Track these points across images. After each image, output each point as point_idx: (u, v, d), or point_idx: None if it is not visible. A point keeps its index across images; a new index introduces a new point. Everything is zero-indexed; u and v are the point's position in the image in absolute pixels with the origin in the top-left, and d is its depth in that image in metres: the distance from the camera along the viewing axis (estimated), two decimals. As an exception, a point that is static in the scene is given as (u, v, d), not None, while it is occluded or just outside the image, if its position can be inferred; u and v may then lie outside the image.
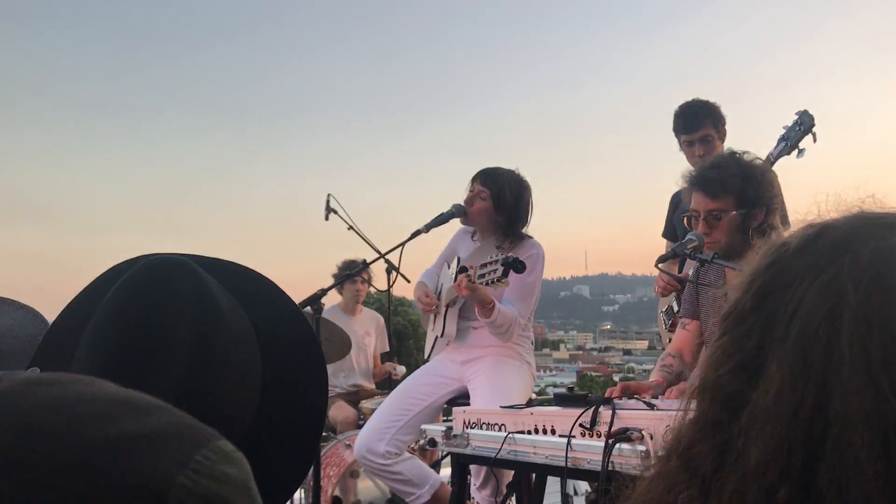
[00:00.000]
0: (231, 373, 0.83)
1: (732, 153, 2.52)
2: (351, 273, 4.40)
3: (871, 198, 0.64)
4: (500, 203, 3.22)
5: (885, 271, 0.56)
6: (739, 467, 0.57)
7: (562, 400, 2.17)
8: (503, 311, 3.03)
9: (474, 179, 3.30)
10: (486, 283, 2.74)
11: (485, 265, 2.76)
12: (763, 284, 0.62)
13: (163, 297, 0.81)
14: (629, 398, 2.09)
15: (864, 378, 0.53)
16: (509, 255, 2.69)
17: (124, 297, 0.82)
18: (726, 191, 2.41)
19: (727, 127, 3.43)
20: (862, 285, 0.56)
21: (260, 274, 0.99)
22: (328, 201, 4.37)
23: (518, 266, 2.65)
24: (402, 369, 5.19)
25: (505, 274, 2.66)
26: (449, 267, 3.45)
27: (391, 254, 3.80)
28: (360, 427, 4.28)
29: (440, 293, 3.44)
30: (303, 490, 4.08)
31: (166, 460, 0.39)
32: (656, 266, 2.70)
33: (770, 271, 0.62)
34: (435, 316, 3.47)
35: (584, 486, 3.74)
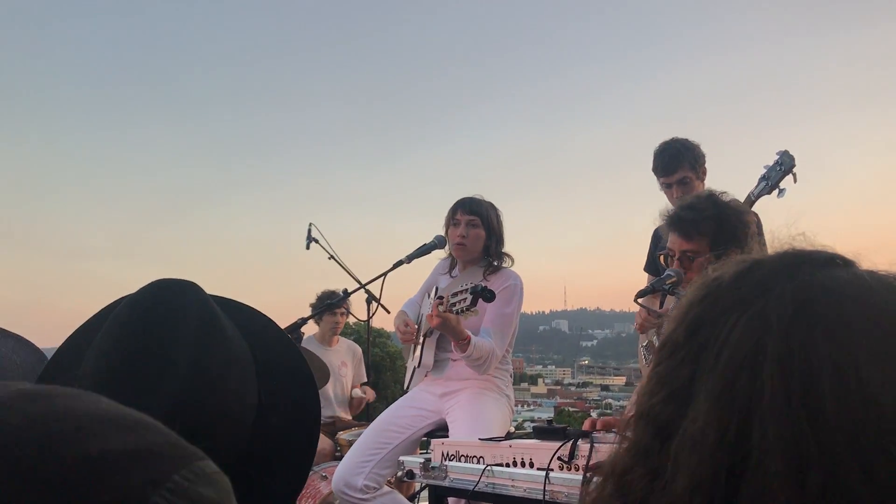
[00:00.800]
0: (227, 393, 0.85)
1: (710, 194, 2.55)
2: (331, 304, 4.38)
3: (801, 235, 0.67)
4: (490, 227, 3.29)
5: (807, 307, 0.58)
6: (667, 494, 0.59)
7: (540, 433, 2.17)
8: (479, 344, 3.02)
9: (457, 211, 3.30)
10: (457, 313, 2.74)
11: (456, 293, 2.77)
12: (695, 316, 0.64)
13: (167, 313, 0.85)
14: (607, 432, 2.09)
15: (783, 407, 0.55)
16: (478, 283, 2.70)
17: (130, 311, 0.85)
18: (700, 233, 2.44)
19: (708, 166, 3.46)
20: (785, 319, 0.58)
21: (257, 310, 1.05)
22: (310, 230, 4.37)
23: (486, 295, 2.66)
24: (358, 392, 5.11)
25: (473, 303, 2.67)
26: (430, 297, 3.44)
27: (372, 284, 3.81)
28: (336, 458, 4.23)
29: (420, 323, 3.44)
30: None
31: (142, 479, 0.39)
32: (636, 301, 2.72)
33: (703, 304, 0.64)
34: (414, 346, 3.46)
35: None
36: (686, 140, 3.46)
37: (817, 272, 0.61)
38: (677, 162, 3.37)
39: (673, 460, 0.59)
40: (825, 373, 0.55)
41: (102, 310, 0.97)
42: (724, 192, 2.55)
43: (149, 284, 0.89)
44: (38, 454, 0.37)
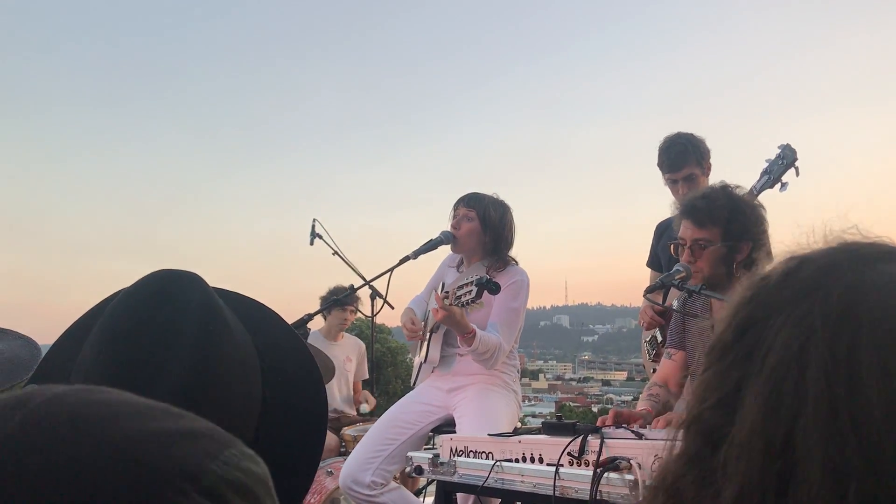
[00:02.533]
0: (230, 389, 0.83)
1: (724, 186, 2.54)
2: (340, 299, 4.38)
3: (854, 228, 0.64)
4: (487, 223, 3.25)
5: (853, 309, 0.56)
6: (716, 502, 0.58)
7: (550, 428, 2.17)
8: (485, 338, 3.02)
9: (458, 204, 3.32)
10: (462, 305, 2.74)
11: (461, 287, 2.77)
12: (744, 318, 0.62)
13: (169, 304, 0.82)
14: (618, 427, 2.09)
15: (827, 417, 0.53)
16: (483, 276, 2.71)
17: (128, 304, 0.83)
18: (713, 222, 2.44)
19: (713, 160, 3.45)
20: (830, 322, 0.56)
21: (263, 304, 1.02)
22: (313, 226, 4.37)
23: (492, 287, 2.67)
24: (365, 407, 5.11)
25: (479, 295, 2.68)
26: (438, 292, 3.44)
27: (377, 280, 3.80)
28: (341, 454, 4.24)
29: (427, 320, 3.44)
30: (283, 518, 4.02)
31: (199, 452, 0.43)
32: (644, 297, 2.72)
33: (751, 305, 0.62)
34: (421, 342, 3.46)
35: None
36: (691, 135, 3.43)
37: (868, 269, 0.59)
38: (683, 159, 3.35)
39: (722, 468, 0.58)
40: (872, 379, 0.53)
41: (99, 303, 0.94)
42: (739, 186, 2.55)
43: (148, 275, 0.86)
44: (102, 428, 0.42)
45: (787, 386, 0.55)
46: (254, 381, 0.88)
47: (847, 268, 0.59)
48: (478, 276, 2.70)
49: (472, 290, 2.69)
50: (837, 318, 0.56)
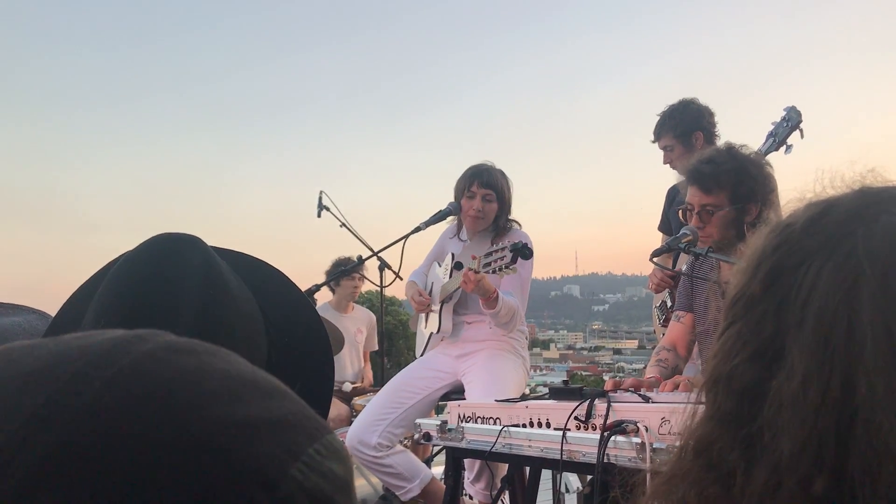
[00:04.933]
0: (235, 345, 0.83)
1: (730, 147, 2.52)
2: (347, 269, 4.38)
3: (871, 172, 0.62)
4: (503, 201, 3.34)
5: None
6: (769, 460, 0.55)
7: (556, 393, 2.17)
8: (506, 302, 3.06)
9: (473, 182, 3.31)
10: (493, 271, 2.76)
11: (490, 254, 2.78)
12: (772, 267, 0.59)
13: (170, 266, 0.82)
14: (625, 391, 2.10)
15: (889, 360, 0.51)
16: (517, 241, 2.73)
17: (130, 268, 0.83)
18: (720, 186, 2.42)
19: (720, 126, 3.45)
20: (879, 262, 0.53)
21: (271, 265, 1.01)
22: (320, 198, 4.36)
23: (526, 252, 2.69)
24: (347, 386, 5.07)
25: (514, 260, 2.70)
26: (440, 265, 3.47)
27: (385, 252, 3.81)
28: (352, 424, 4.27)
29: (431, 291, 3.47)
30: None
31: (283, 450, 0.39)
32: (651, 260, 2.71)
33: (778, 253, 0.59)
34: (428, 314, 3.48)
35: (575, 483, 3.75)
36: (687, 104, 3.46)
37: None
38: (659, 130, 3.45)
39: (769, 424, 0.55)
40: None
41: (102, 268, 0.93)
42: (744, 146, 2.53)
43: (149, 239, 0.86)
44: (189, 412, 0.37)
45: (839, 330, 0.53)
46: (258, 341, 0.88)
47: (879, 209, 0.57)
48: (511, 242, 2.73)
49: (505, 256, 2.71)
50: (886, 258, 0.53)
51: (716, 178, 2.42)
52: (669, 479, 0.64)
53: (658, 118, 3.48)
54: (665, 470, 0.66)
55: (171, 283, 0.81)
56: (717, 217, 2.42)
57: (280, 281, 1.00)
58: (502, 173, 3.39)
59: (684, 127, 3.41)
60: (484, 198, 3.28)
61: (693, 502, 0.60)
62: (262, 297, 0.92)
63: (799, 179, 0.65)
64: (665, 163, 3.45)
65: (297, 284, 1.02)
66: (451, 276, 3.25)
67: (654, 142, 3.51)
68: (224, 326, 0.82)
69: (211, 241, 0.89)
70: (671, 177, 3.47)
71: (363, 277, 5.00)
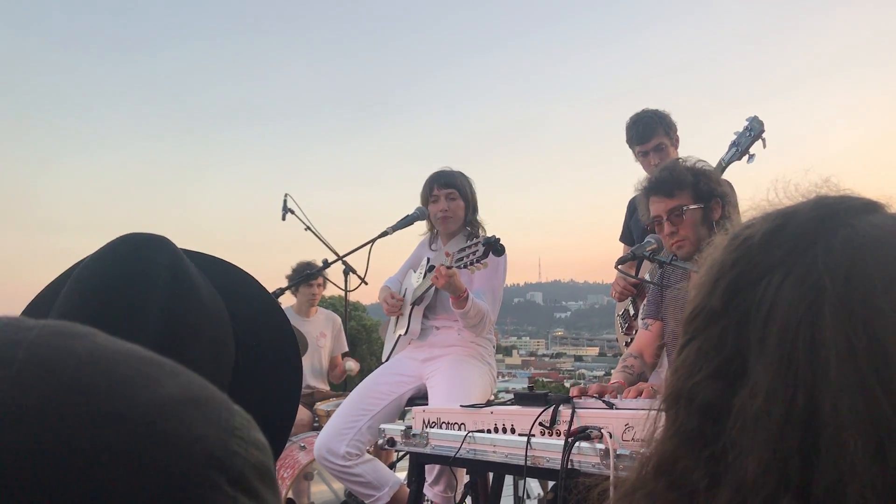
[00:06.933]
0: (201, 346, 0.82)
1: (676, 159, 2.67)
2: (309, 274, 4.35)
3: (826, 182, 0.61)
4: (466, 197, 3.39)
5: (860, 260, 0.54)
6: (733, 480, 0.54)
7: (522, 399, 2.18)
8: (476, 303, 3.07)
9: (433, 186, 3.37)
10: (465, 266, 2.78)
11: (463, 249, 2.81)
12: (732, 281, 0.58)
13: (137, 267, 0.81)
14: (589, 397, 2.11)
15: (853, 377, 0.50)
16: (490, 236, 2.76)
17: (94, 268, 0.82)
18: (681, 187, 2.49)
19: (679, 134, 3.51)
20: (840, 277, 0.53)
21: (239, 267, 1.00)
22: (285, 201, 4.32)
23: (498, 247, 2.71)
24: (352, 365, 5.06)
25: (485, 254, 2.72)
26: (415, 272, 3.48)
27: (350, 256, 3.79)
28: (314, 429, 4.23)
29: (404, 296, 3.48)
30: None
31: (216, 426, 0.37)
32: (616, 268, 2.73)
33: (737, 267, 0.58)
34: (398, 318, 3.48)
35: (536, 489, 3.76)
36: (656, 110, 3.53)
37: (857, 221, 0.56)
38: (652, 130, 3.44)
39: (733, 443, 0.54)
40: (892, 332, 0.50)
41: (65, 271, 0.92)
42: (690, 157, 2.62)
43: (115, 239, 0.84)
44: (113, 400, 0.34)
45: (802, 347, 0.52)
46: (226, 344, 0.87)
47: (837, 221, 0.56)
48: (484, 237, 2.76)
49: (478, 250, 2.72)
50: (846, 273, 0.53)
51: (675, 180, 2.50)
52: (630, 494, 0.63)
53: (638, 122, 3.47)
54: (625, 484, 0.64)
55: (138, 283, 0.79)
56: (687, 216, 2.47)
57: (249, 284, 1.00)
58: (461, 174, 3.45)
59: (672, 127, 3.49)
60: (447, 197, 3.34)
61: None
62: (230, 299, 0.91)
63: (761, 189, 0.64)
64: (653, 164, 3.39)
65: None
66: (424, 279, 3.26)
67: (639, 144, 3.47)
68: (190, 328, 0.81)
69: (177, 243, 0.87)
70: (631, 187, 3.51)
71: (325, 281, 4.97)
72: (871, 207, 0.59)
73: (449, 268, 2.84)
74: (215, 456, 0.36)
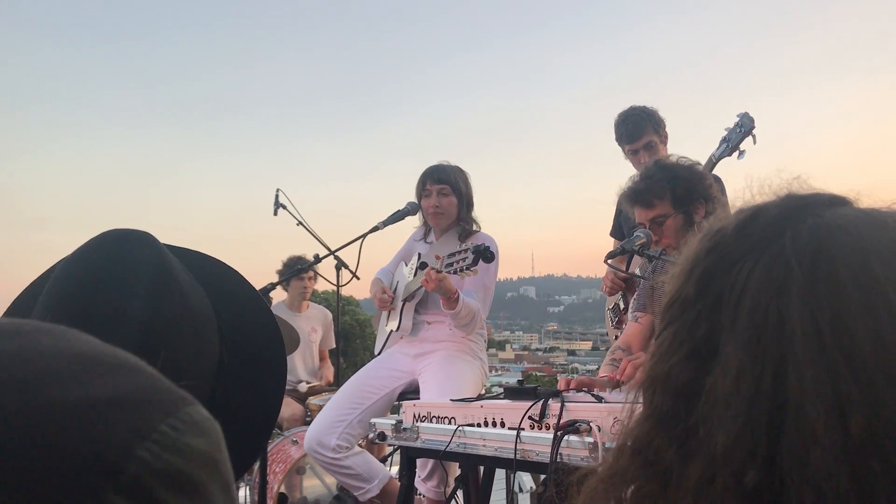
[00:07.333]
0: (184, 343, 0.82)
1: (656, 161, 2.64)
2: (300, 269, 4.35)
3: (797, 179, 0.64)
4: (459, 193, 3.36)
5: (826, 244, 0.57)
6: (704, 454, 0.56)
7: (511, 393, 2.19)
8: (467, 303, 3.07)
9: (426, 181, 3.36)
10: (455, 272, 2.78)
11: (453, 254, 2.80)
12: (705, 270, 0.61)
13: (120, 263, 0.81)
14: (579, 391, 2.12)
15: (817, 350, 0.53)
16: (480, 244, 2.75)
17: (81, 262, 0.82)
18: (658, 196, 2.51)
19: (672, 131, 3.52)
20: (806, 259, 0.56)
21: (224, 262, 1.00)
22: (277, 196, 4.31)
23: (488, 255, 2.71)
24: (303, 386, 4.98)
25: (475, 262, 2.72)
26: (406, 265, 3.48)
27: (342, 250, 3.80)
28: (307, 423, 4.24)
29: (395, 290, 3.48)
30: (248, 487, 4.03)
31: (127, 429, 0.36)
32: (605, 262, 2.75)
33: (710, 256, 0.61)
34: (390, 312, 3.49)
35: (528, 482, 3.78)
36: (644, 107, 3.53)
37: (824, 212, 0.59)
38: (641, 128, 3.43)
39: (704, 419, 0.56)
40: (856, 310, 0.53)
41: (48, 269, 0.92)
42: (671, 155, 2.63)
43: (98, 235, 0.84)
44: (10, 398, 0.34)
45: (770, 325, 0.55)
46: (210, 339, 0.87)
47: (805, 212, 0.60)
48: (473, 244, 2.75)
49: (467, 258, 2.72)
50: (812, 255, 0.56)
51: (651, 191, 2.52)
52: (607, 479, 0.65)
53: (627, 120, 3.46)
54: (602, 469, 0.66)
55: (119, 282, 0.79)
56: (667, 226, 2.50)
57: (234, 279, 1.00)
58: (458, 169, 3.42)
59: (661, 124, 3.48)
60: (439, 192, 3.33)
61: (630, 500, 0.61)
62: (215, 295, 0.91)
63: (738, 188, 0.67)
64: (643, 161, 3.38)
65: (252, 283, 1.01)
66: (415, 276, 3.26)
67: (629, 143, 3.46)
68: (172, 325, 0.81)
69: (166, 237, 0.88)
70: (624, 182, 3.51)
71: (316, 276, 4.97)
72: (838, 202, 0.61)
73: (439, 272, 2.84)
74: (107, 461, 0.34)
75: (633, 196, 2.55)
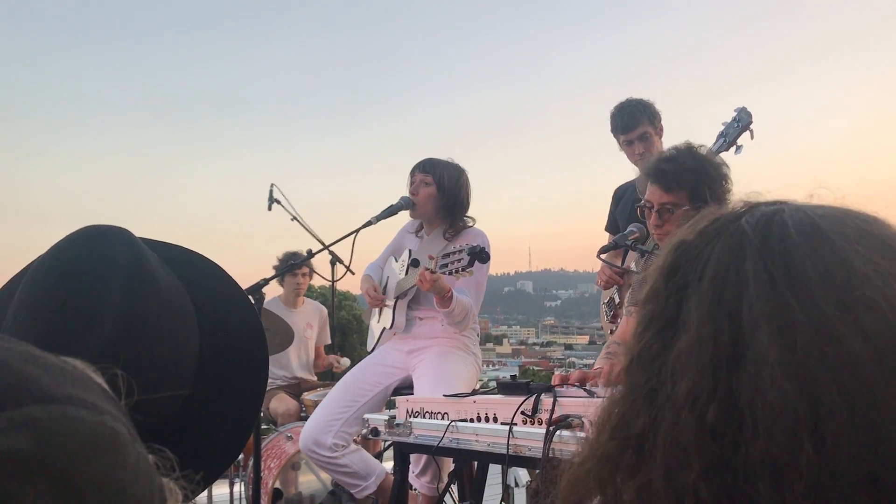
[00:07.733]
0: (161, 340, 0.82)
1: (689, 146, 2.52)
2: (294, 265, 4.34)
3: (756, 193, 0.70)
4: (443, 186, 3.30)
5: (778, 218, 0.63)
6: (672, 405, 0.59)
7: (504, 388, 2.19)
8: (460, 301, 3.07)
9: (414, 170, 3.36)
10: (450, 273, 2.76)
11: (448, 255, 2.78)
12: (672, 261, 0.66)
13: (94, 259, 0.80)
14: (572, 386, 2.11)
15: (768, 289, 0.58)
16: (476, 245, 2.72)
17: (53, 260, 0.81)
18: (680, 185, 2.42)
19: (670, 123, 3.51)
20: (760, 227, 0.62)
21: (206, 258, 0.99)
22: (271, 191, 4.31)
23: (483, 256, 2.70)
24: (346, 361, 5.16)
25: (471, 263, 2.70)
26: (396, 260, 3.47)
27: (336, 245, 3.79)
28: (302, 419, 4.24)
29: (385, 286, 3.47)
30: (243, 482, 4.03)
31: None
32: (598, 257, 2.74)
33: (676, 251, 0.67)
34: (381, 309, 3.48)
35: (525, 477, 3.79)
36: (640, 99, 3.52)
37: (780, 205, 0.66)
38: (636, 119, 3.43)
39: (671, 374, 0.60)
40: (804, 256, 0.59)
41: (23, 269, 0.91)
42: (702, 146, 2.55)
43: (74, 232, 0.84)
44: None
45: (729, 284, 0.60)
46: (188, 336, 0.87)
47: (760, 206, 0.67)
48: (469, 245, 2.73)
49: (463, 259, 2.70)
50: (765, 224, 0.63)
51: (677, 177, 2.42)
52: (585, 462, 0.67)
53: (622, 111, 3.46)
54: (583, 453, 0.69)
55: (93, 280, 0.79)
56: (676, 216, 2.43)
57: (216, 274, 0.99)
58: (452, 165, 3.37)
59: (656, 116, 3.48)
60: (421, 182, 3.30)
61: (606, 476, 0.64)
62: (195, 289, 0.91)
63: (749, 179, 0.72)
64: (637, 152, 3.39)
65: (242, 279, 1.01)
66: (406, 273, 3.25)
67: (623, 133, 3.45)
68: (149, 323, 0.81)
69: (161, 232, 0.87)
70: (620, 176, 3.51)
71: (311, 272, 4.97)
72: (794, 205, 0.67)
73: (433, 272, 2.82)
74: None
75: (656, 174, 2.46)
